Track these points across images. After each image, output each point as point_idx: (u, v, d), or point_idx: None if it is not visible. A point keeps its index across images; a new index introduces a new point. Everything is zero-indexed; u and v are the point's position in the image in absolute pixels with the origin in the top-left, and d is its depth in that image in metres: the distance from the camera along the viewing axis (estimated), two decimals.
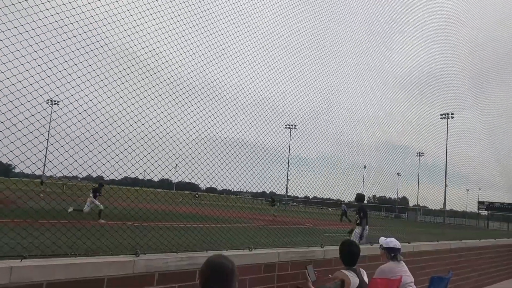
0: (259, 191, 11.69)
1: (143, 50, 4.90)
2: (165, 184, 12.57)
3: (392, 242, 5.59)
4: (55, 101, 4.19)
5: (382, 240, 5.72)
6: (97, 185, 17.28)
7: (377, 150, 10.16)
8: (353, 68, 8.92)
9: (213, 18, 5.78)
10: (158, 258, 4.15)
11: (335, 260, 6.07)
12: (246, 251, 5.18)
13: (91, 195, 18.28)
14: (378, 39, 9.58)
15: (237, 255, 4.93)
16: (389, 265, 5.46)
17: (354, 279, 4.47)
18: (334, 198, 9.04)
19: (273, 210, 21.93)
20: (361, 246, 4.94)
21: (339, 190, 8.50)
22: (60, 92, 4.09)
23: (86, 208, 18.27)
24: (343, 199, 10.22)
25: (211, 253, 4.69)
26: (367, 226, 10.79)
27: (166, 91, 5.16)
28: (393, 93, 10.53)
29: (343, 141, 8.81)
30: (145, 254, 4.17)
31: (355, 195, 10.62)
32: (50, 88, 3.98)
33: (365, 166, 9.85)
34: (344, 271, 4.59)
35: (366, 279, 4.70)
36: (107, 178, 4.89)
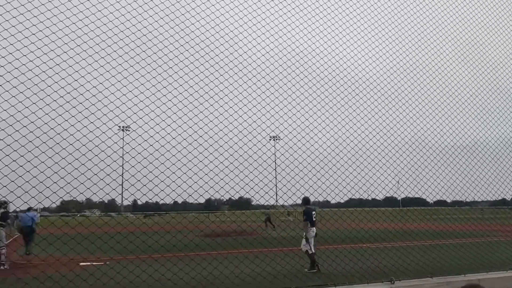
0: (497, 198, 10.43)
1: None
2: (390, 201, 12.31)
3: None
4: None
5: None
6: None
7: None
8: None
9: None
10: (414, 284, 3.99)
11: None
12: (510, 273, 4.57)
13: None
14: None
15: (501, 278, 4.40)
16: None
17: None
18: None
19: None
20: None
21: None
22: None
23: None
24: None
25: (470, 276, 4.32)
26: (314, 228, 10.92)
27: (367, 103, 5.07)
28: None
29: None
30: (399, 280, 4.07)
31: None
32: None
33: None
34: None
35: None
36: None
